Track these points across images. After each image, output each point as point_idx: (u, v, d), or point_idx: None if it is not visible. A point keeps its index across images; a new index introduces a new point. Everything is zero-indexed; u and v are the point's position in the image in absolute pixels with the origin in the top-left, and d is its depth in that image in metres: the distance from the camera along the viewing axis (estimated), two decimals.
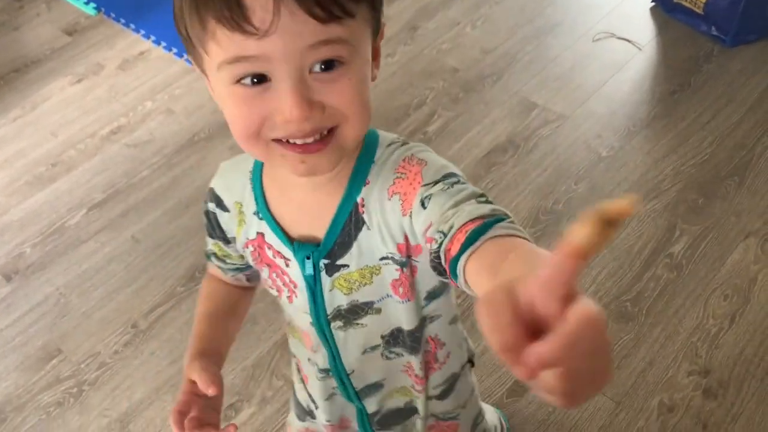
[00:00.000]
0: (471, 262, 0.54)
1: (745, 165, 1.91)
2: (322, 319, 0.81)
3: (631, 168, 1.94)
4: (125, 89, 2.45)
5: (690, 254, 1.73)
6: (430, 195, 0.65)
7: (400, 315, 0.81)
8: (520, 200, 1.90)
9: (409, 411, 0.99)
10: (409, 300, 0.79)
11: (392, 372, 0.91)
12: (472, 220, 0.56)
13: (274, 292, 0.85)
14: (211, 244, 0.87)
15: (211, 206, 0.82)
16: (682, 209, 1.82)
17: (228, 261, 0.88)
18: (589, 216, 0.30)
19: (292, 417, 1.13)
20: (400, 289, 0.77)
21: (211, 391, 0.74)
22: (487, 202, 0.62)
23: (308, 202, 0.74)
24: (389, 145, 0.73)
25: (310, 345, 0.89)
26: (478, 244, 0.54)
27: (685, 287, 1.66)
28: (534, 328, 0.32)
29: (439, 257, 0.59)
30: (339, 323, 0.82)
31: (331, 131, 0.61)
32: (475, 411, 1.08)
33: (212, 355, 0.84)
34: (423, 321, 0.84)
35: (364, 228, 0.72)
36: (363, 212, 0.72)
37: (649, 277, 1.69)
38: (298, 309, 0.83)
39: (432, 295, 0.82)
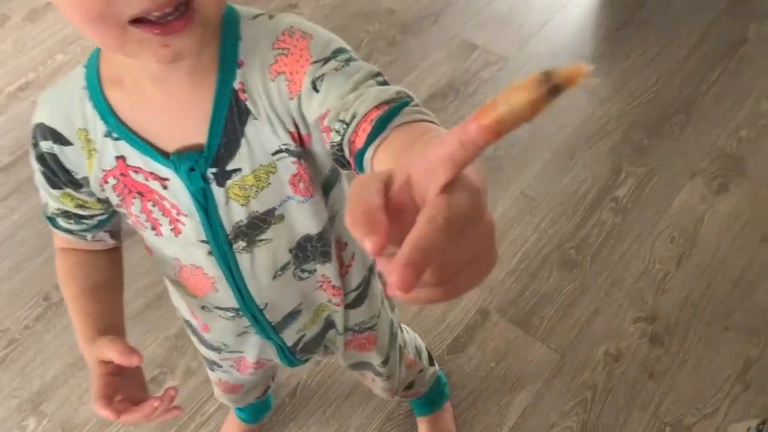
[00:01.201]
0: (379, 152, 0.49)
1: (691, 103, 1.83)
2: (222, 244, 0.71)
3: (576, 109, 1.85)
4: (33, 42, 2.25)
5: (635, 197, 1.65)
6: (323, 75, 0.58)
7: (305, 218, 0.72)
8: None
9: (328, 326, 0.91)
10: (311, 196, 0.70)
11: (308, 293, 0.83)
12: (376, 107, 0.52)
13: (148, 232, 0.72)
14: (56, 200, 0.73)
15: (46, 145, 0.68)
16: (628, 150, 1.75)
17: (85, 216, 0.74)
18: (533, 78, 0.24)
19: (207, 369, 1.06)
20: (301, 185, 0.68)
21: (135, 361, 0.65)
22: (385, 82, 0.57)
23: (175, 103, 0.63)
24: (255, 17, 0.63)
25: (206, 287, 0.77)
26: (385, 133, 0.49)
27: (630, 231, 1.59)
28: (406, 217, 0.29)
29: (342, 149, 0.55)
30: (242, 243, 0.71)
31: (188, 5, 0.51)
32: (388, 319, 1.01)
33: (112, 332, 0.73)
34: (328, 220, 0.76)
35: (250, 118, 0.63)
36: (245, 99, 0.62)
37: (594, 223, 1.61)
38: (187, 241, 0.71)
39: (328, 186, 0.74)
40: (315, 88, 0.58)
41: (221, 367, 1.00)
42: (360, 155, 0.52)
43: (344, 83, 0.57)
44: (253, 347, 0.91)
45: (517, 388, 1.38)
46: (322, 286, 0.83)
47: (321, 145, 0.67)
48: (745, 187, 1.64)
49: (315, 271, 0.80)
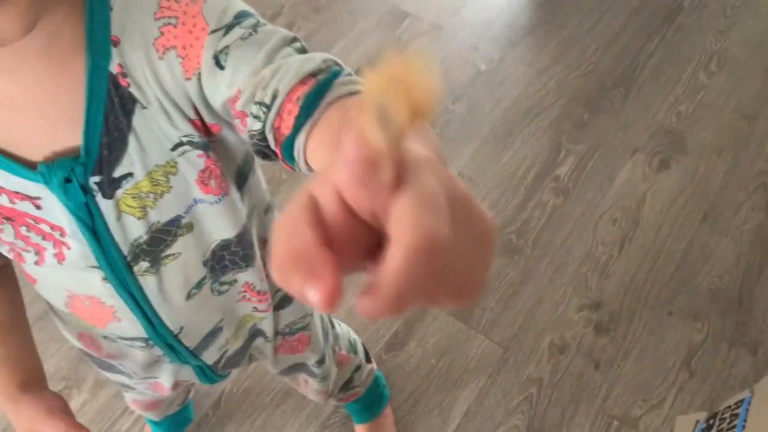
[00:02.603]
0: (312, 140, 0.41)
1: (630, 74, 1.77)
2: (119, 267, 0.57)
3: (513, 82, 1.75)
4: None
5: (576, 176, 1.58)
6: (226, 48, 0.47)
7: (219, 222, 0.60)
8: None
9: (254, 336, 0.80)
10: (225, 194, 0.58)
11: (229, 307, 0.71)
12: (301, 82, 0.42)
13: (30, 260, 0.58)
14: None
15: None
16: (567, 126, 1.67)
17: None
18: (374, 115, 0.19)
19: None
20: (212, 182, 0.56)
21: None
22: (304, 49, 0.47)
23: (33, 97, 0.48)
24: None
25: (105, 317, 0.64)
26: (317, 113, 0.41)
27: (572, 213, 1.53)
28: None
29: (264, 138, 0.45)
30: (144, 264, 0.58)
31: None
32: (320, 315, 0.91)
33: (35, 380, 0.66)
34: (247, 219, 0.64)
35: (138, 108, 0.50)
36: (128, 85, 0.49)
37: (535, 204, 1.54)
38: (75, 267, 0.57)
39: (242, 178, 0.61)
40: (219, 64, 0.47)
41: (134, 389, 0.88)
42: (288, 144, 0.43)
43: (255, 55, 0.46)
44: (168, 372, 0.79)
45: (459, 386, 1.30)
46: (245, 296, 0.71)
47: (234, 134, 0.54)
48: (685, 163, 1.60)
49: (235, 281, 0.68)
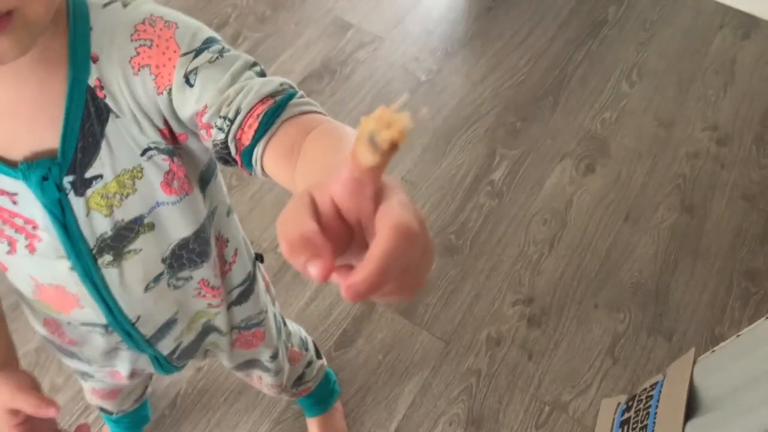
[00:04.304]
0: (269, 150, 0.49)
1: (559, 84, 1.90)
2: (85, 259, 0.64)
3: (451, 92, 1.85)
4: None
5: (510, 180, 1.70)
6: (196, 69, 0.54)
7: (179, 221, 0.67)
8: None
9: (207, 331, 0.87)
10: (187, 194, 0.65)
11: (184, 301, 0.77)
12: (261, 101, 0.51)
13: (2, 250, 0.64)
14: None
15: None
16: (501, 133, 1.78)
17: None
18: (365, 141, 0.28)
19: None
20: (175, 183, 0.63)
21: (52, 413, 0.63)
22: (264, 72, 0.56)
23: (19, 104, 0.55)
24: (105, 5, 0.57)
25: (70, 304, 0.70)
26: (273, 128, 0.49)
27: (506, 215, 1.64)
28: (340, 228, 0.31)
29: (227, 147, 0.53)
30: (108, 257, 0.65)
31: (9, 14, 0.46)
32: (273, 312, 0.98)
33: (8, 363, 0.69)
34: (206, 218, 0.71)
35: (112, 117, 0.57)
36: (104, 96, 0.56)
37: (472, 207, 1.64)
38: (45, 257, 0.64)
39: (205, 180, 0.69)
40: (188, 83, 0.54)
41: (93, 377, 0.93)
42: (248, 152, 0.50)
43: (221, 76, 0.53)
44: (125, 361, 0.85)
45: (405, 380, 1.39)
46: (200, 293, 0.78)
47: (198, 142, 0.62)
48: (609, 167, 1.73)
49: (191, 278, 0.75)
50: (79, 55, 0.55)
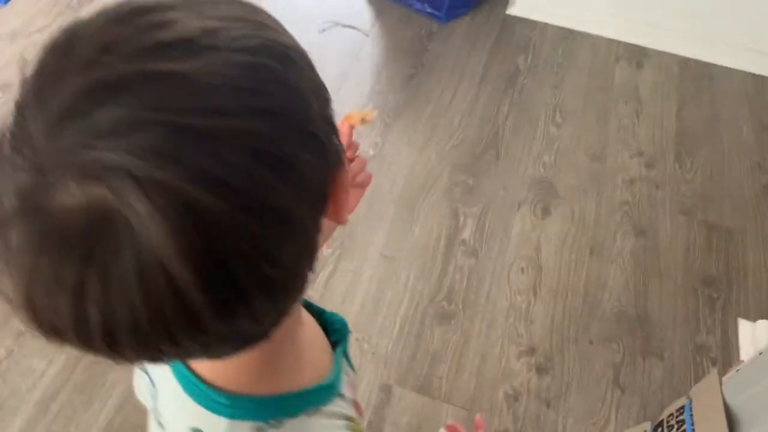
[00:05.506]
0: None
1: (495, 137, 2.01)
2: None
3: (400, 162, 1.91)
4: None
5: (479, 236, 1.77)
6: None
7: None
8: None
9: None
10: None
11: None
12: None
13: None
14: None
15: None
16: (458, 192, 1.86)
17: None
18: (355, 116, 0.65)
19: None
20: None
21: None
22: None
23: None
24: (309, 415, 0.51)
25: None
26: None
27: (486, 270, 1.70)
28: None
29: None
30: None
31: None
32: None
33: None
34: None
35: None
36: None
37: (453, 269, 1.69)
38: None
39: None
40: None
41: None
42: None
43: None
44: None
45: None
46: None
47: None
48: (562, 207, 1.85)
49: None
50: None
